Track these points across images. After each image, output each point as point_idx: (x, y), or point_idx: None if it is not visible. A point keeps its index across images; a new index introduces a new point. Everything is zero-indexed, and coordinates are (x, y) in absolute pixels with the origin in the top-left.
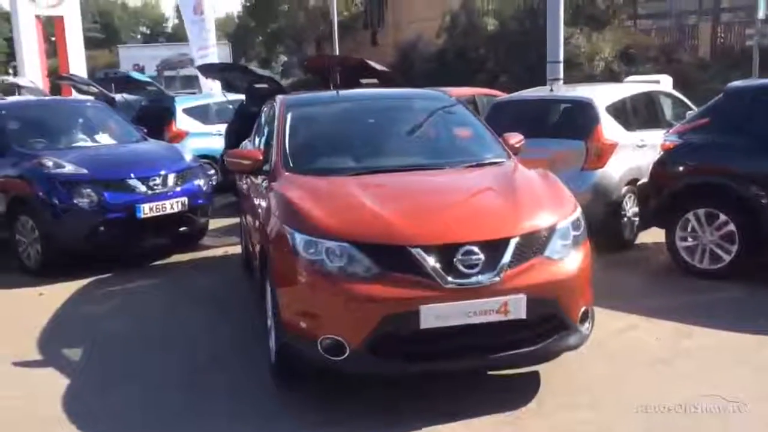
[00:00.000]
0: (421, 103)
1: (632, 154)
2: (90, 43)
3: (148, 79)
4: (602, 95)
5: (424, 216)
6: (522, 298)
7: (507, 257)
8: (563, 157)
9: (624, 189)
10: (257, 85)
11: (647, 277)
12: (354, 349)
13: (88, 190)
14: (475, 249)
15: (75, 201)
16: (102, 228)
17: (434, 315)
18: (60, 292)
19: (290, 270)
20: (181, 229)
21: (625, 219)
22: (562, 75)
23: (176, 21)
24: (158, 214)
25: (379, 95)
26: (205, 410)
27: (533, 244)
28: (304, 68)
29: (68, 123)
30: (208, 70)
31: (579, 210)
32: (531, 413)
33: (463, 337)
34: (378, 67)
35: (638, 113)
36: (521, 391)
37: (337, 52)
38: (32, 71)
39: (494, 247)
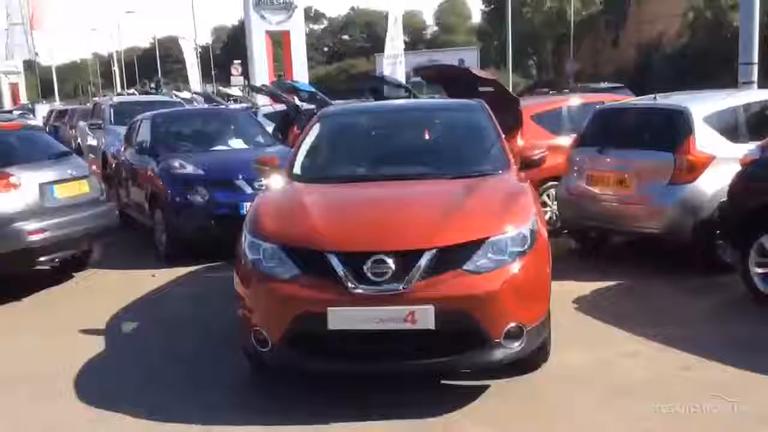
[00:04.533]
0: (448, 114)
1: (736, 169)
2: (359, 52)
3: (312, 89)
4: (703, 104)
5: (349, 225)
6: (429, 308)
7: (419, 268)
8: (649, 170)
9: None
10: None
11: (710, 304)
12: (274, 343)
13: (202, 189)
14: (386, 258)
15: (190, 198)
16: (212, 222)
17: (341, 318)
18: (169, 275)
19: (241, 267)
20: None
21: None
22: (756, 78)
23: (435, 29)
24: None
25: (411, 106)
26: (200, 384)
27: (452, 257)
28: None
29: (212, 129)
30: (356, 80)
31: (528, 226)
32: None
33: (376, 342)
34: (485, 76)
35: (755, 124)
36: (447, 403)
37: (572, 54)
38: (262, 82)
39: (406, 258)
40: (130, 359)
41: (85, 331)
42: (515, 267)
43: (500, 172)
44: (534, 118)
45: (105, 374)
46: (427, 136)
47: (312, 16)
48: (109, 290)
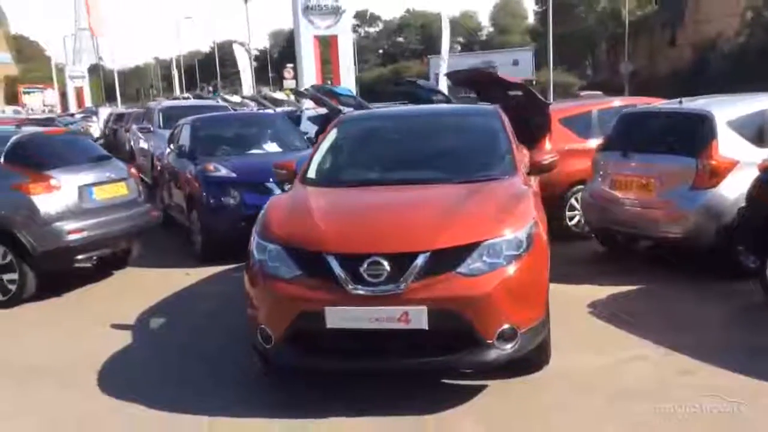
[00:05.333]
0: (460, 120)
1: None
2: (413, 54)
3: (349, 92)
4: (728, 108)
5: (347, 227)
6: (423, 309)
7: (413, 270)
8: (672, 174)
9: None
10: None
11: (728, 310)
12: (277, 341)
13: (234, 191)
14: (381, 260)
15: (222, 199)
16: (243, 223)
17: (338, 317)
18: (202, 273)
19: (248, 267)
20: None
21: None
22: None
23: (491, 30)
24: None
25: (426, 112)
26: (218, 379)
27: (446, 260)
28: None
29: (248, 134)
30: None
31: (524, 230)
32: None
33: (373, 341)
34: (513, 80)
35: None
36: (444, 401)
37: (627, 53)
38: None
39: (401, 260)
40: (154, 354)
41: (116, 326)
42: (509, 270)
43: (506, 177)
44: (562, 121)
45: (129, 367)
46: (437, 142)
47: (368, 19)
48: (144, 288)
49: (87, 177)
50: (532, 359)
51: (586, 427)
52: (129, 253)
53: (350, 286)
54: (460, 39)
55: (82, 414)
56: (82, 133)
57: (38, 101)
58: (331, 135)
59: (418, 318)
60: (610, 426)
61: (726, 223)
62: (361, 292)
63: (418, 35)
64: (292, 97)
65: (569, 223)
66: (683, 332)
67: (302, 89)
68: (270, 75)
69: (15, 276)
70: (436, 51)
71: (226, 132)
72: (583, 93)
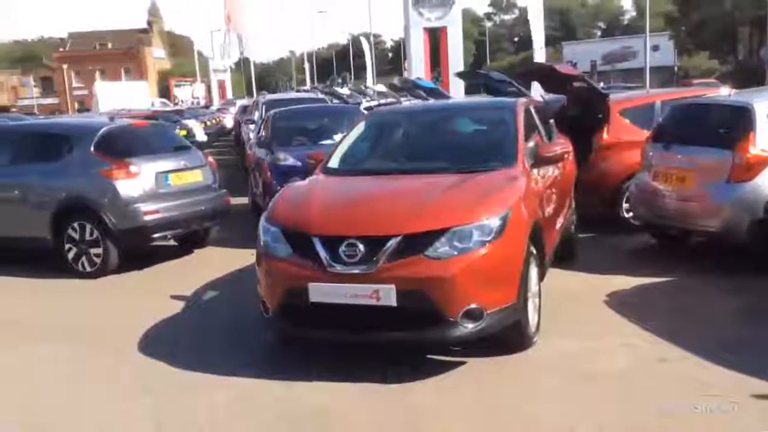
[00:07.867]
0: (478, 114)
1: None
2: (549, 41)
3: (432, 85)
4: None
5: (333, 211)
6: (391, 288)
7: (384, 252)
8: (709, 167)
9: None
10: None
11: (744, 307)
12: (272, 312)
13: (299, 179)
14: (357, 242)
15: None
16: None
17: (319, 292)
18: None
19: (257, 246)
20: None
21: None
22: None
23: (633, 14)
24: None
25: (449, 107)
26: (245, 347)
27: (416, 243)
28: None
29: (322, 125)
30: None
31: (498, 217)
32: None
33: (350, 316)
34: (572, 73)
35: None
36: (417, 373)
37: None
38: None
39: (374, 243)
40: (197, 324)
41: (174, 297)
42: (477, 254)
43: (503, 167)
44: (622, 112)
45: (170, 334)
46: (451, 135)
47: (504, 6)
48: (213, 264)
49: (165, 165)
50: (507, 340)
51: (536, 403)
52: (208, 233)
53: (329, 265)
54: (601, 24)
55: (107, 369)
56: (215, 123)
57: (188, 94)
58: (358, 128)
59: (388, 296)
60: (557, 401)
61: (761, 218)
62: (338, 270)
63: (554, 22)
64: None
65: (625, 215)
66: (687, 324)
67: (394, 82)
68: (403, 66)
69: (100, 251)
70: (574, 37)
71: (301, 124)
72: (695, 81)
